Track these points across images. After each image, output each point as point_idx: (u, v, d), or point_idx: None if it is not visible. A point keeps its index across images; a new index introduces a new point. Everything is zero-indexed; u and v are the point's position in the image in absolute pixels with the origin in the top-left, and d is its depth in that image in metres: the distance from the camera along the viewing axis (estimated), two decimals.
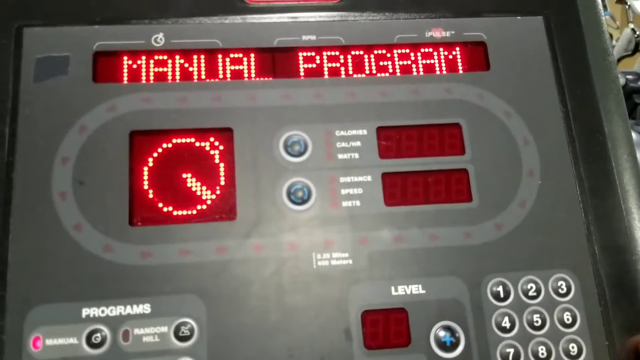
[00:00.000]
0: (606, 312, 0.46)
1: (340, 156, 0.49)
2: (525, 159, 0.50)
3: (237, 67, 0.50)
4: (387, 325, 0.45)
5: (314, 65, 0.51)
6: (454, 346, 0.45)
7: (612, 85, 0.53)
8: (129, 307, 0.44)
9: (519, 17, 0.54)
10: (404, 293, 0.46)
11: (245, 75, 0.50)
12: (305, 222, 0.47)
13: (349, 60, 0.52)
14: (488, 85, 0.52)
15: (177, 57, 0.50)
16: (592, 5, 0.55)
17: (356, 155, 0.49)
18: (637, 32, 2.19)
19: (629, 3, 2.26)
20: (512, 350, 0.45)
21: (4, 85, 0.48)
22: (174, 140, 0.48)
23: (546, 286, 0.47)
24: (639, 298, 0.47)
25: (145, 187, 0.47)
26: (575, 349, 0.46)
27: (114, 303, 0.44)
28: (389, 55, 0.52)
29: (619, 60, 2.29)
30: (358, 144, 0.50)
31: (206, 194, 0.47)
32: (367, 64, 0.52)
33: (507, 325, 0.46)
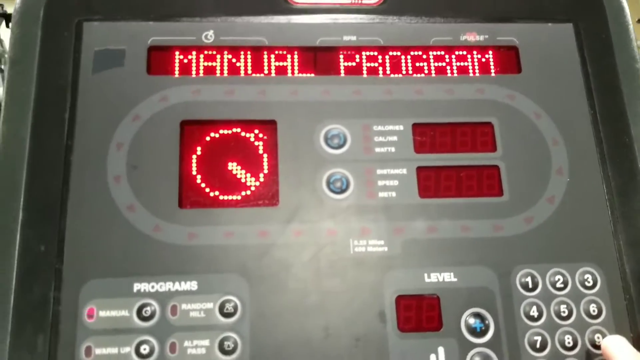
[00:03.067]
0: (631, 305, 0.48)
1: (377, 150, 0.52)
2: (554, 158, 0.52)
3: (281, 64, 0.53)
4: (419, 310, 0.47)
5: (354, 64, 0.54)
6: (483, 332, 0.47)
7: (639, 91, 0.55)
8: (177, 283, 0.46)
9: (550, 24, 0.57)
10: (436, 280, 0.48)
11: (289, 71, 0.53)
12: (343, 211, 0.50)
13: (387, 60, 0.55)
14: (519, 87, 0.55)
15: (226, 52, 0.53)
16: (621, 14, 0.57)
17: (392, 149, 0.52)
18: None
19: None
20: (539, 338, 0.47)
21: (65, 75, 0.51)
22: (221, 130, 0.51)
23: (573, 279, 0.49)
24: None
25: (194, 172, 0.50)
26: (601, 339, 0.47)
27: (163, 279, 0.46)
28: (425, 56, 0.55)
29: None
30: (394, 138, 0.52)
31: (250, 181, 0.50)
32: (404, 64, 0.55)
33: (535, 314, 0.48)
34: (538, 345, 0.47)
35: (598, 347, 0.47)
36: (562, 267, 0.49)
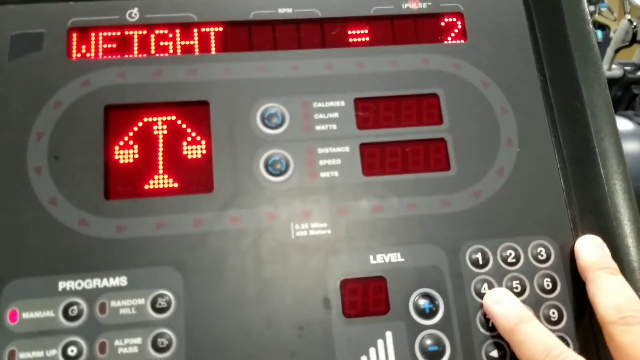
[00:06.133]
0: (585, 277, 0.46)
1: (318, 127, 0.49)
2: (503, 128, 0.50)
3: (212, 41, 0.50)
4: (365, 294, 0.45)
5: (291, 38, 0.51)
6: (433, 313, 0.45)
7: (591, 53, 0.52)
8: (105, 279, 0.43)
9: None
10: (382, 261, 0.46)
11: (221, 48, 0.50)
12: (283, 194, 0.47)
13: (326, 33, 0.52)
14: (465, 55, 0.52)
15: (152, 31, 0.50)
16: None
17: (334, 127, 0.49)
18: (634, 23, 2.18)
19: None
20: None
21: None
22: (149, 114, 0.48)
23: (525, 253, 0.47)
24: (619, 264, 0.46)
25: (121, 160, 0.46)
26: (556, 315, 0.45)
27: (90, 276, 0.43)
28: (365, 27, 0.52)
29: (617, 51, 2.28)
30: (336, 115, 0.49)
31: (182, 167, 0.47)
32: (344, 35, 0.52)
33: (487, 291, 0.45)
34: (490, 324, 0.45)
35: (553, 323, 0.45)
36: (514, 241, 0.47)
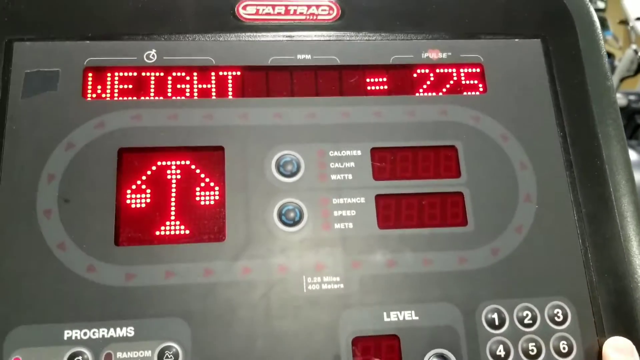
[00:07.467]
0: (603, 341, 0.45)
1: (333, 177, 0.48)
2: (522, 183, 0.49)
3: (229, 85, 0.50)
4: (378, 353, 0.44)
5: (309, 85, 0.50)
6: None
7: (611, 110, 0.52)
8: (112, 329, 0.42)
9: (516, 40, 0.54)
10: (396, 319, 0.45)
11: (238, 93, 0.49)
12: (296, 245, 0.46)
13: (344, 80, 0.51)
14: (485, 107, 0.51)
15: (169, 74, 0.49)
16: (591, 28, 0.54)
17: (350, 176, 0.48)
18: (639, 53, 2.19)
19: (631, 24, 2.27)
20: None
21: None
22: (163, 158, 0.47)
23: (542, 314, 0.46)
24: (637, 327, 0.46)
25: (133, 205, 0.46)
26: None
27: (96, 325, 0.42)
28: (384, 75, 0.52)
29: (622, 80, 2.29)
30: (352, 164, 0.49)
31: (194, 214, 0.46)
32: (362, 84, 0.51)
33: (502, 353, 0.44)
34: None
35: None
36: (531, 301, 0.46)
